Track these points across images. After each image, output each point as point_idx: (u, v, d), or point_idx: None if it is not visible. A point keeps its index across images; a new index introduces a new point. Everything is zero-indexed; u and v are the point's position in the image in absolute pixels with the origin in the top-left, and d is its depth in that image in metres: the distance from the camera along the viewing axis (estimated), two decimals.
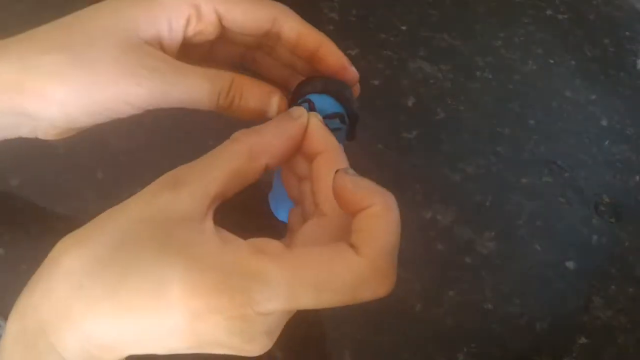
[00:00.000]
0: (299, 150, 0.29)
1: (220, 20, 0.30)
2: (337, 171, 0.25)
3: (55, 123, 0.29)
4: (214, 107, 0.29)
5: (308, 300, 0.22)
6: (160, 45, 0.29)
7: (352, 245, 0.23)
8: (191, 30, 0.30)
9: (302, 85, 0.31)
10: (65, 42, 0.28)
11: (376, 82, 0.48)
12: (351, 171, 0.25)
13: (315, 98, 0.31)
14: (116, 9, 0.28)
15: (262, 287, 0.22)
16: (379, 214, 0.24)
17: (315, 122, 0.29)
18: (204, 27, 0.30)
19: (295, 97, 0.31)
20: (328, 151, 0.28)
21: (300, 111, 0.29)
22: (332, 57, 0.31)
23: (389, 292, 0.24)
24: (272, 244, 0.24)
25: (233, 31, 0.31)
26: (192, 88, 0.28)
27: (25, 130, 0.31)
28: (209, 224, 0.24)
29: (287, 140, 0.28)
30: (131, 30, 0.28)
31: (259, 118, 0.30)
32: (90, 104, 0.28)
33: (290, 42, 0.31)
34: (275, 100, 0.30)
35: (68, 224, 0.37)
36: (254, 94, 0.30)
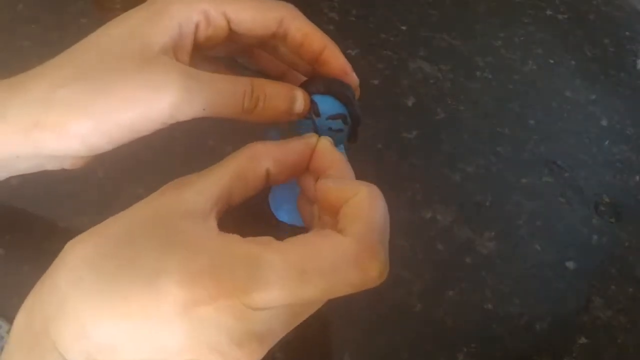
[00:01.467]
0: (306, 168, 0.29)
1: (229, 23, 0.30)
2: (317, 181, 0.26)
3: (79, 155, 0.29)
4: (239, 112, 0.29)
5: (296, 285, 0.22)
6: (173, 54, 0.29)
7: (339, 231, 0.23)
8: (201, 36, 0.29)
9: (305, 87, 0.31)
10: (80, 72, 0.27)
11: (376, 82, 0.48)
12: (331, 177, 0.26)
13: (318, 99, 0.31)
14: (126, 30, 0.28)
15: (249, 273, 0.22)
16: (363, 198, 0.24)
17: (325, 142, 0.29)
18: (214, 32, 0.30)
19: None
20: (335, 167, 0.28)
21: (311, 135, 0.29)
22: (335, 61, 0.31)
23: (382, 274, 0.23)
24: (266, 238, 0.24)
25: (240, 33, 0.31)
26: (216, 94, 0.28)
27: (50, 166, 0.31)
28: (212, 222, 0.24)
29: (291, 152, 0.28)
30: (144, 45, 0.27)
31: (284, 118, 0.30)
32: (114, 130, 0.27)
33: (295, 43, 0.31)
34: (299, 96, 0.30)
35: (68, 224, 0.37)
36: (278, 93, 0.30)
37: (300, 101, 0.30)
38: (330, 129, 0.31)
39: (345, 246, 0.22)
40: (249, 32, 0.30)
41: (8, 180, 0.39)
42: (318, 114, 0.31)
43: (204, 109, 0.28)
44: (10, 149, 0.28)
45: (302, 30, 0.30)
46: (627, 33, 0.57)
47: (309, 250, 0.22)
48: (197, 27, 0.29)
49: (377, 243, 0.23)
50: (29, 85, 0.27)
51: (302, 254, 0.22)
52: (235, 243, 0.23)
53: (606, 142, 0.48)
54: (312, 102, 0.31)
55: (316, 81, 0.31)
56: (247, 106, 0.29)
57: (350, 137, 0.33)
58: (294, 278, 0.22)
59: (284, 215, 0.38)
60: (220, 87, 0.28)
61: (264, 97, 0.29)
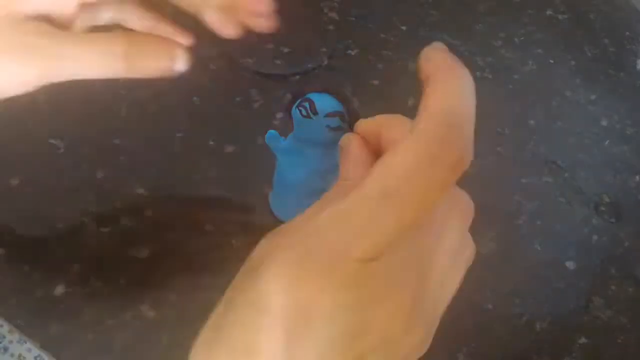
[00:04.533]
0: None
1: None
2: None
3: None
4: (114, 70, 0.29)
5: (380, 208, 0.19)
6: (48, 19, 0.28)
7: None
8: None
9: (302, 85, 0.31)
10: None
11: (376, 82, 0.48)
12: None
13: (315, 97, 0.31)
14: None
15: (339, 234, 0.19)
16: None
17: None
18: None
19: (296, 96, 0.31)
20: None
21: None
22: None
23: (462, 157, 0.19)
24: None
25: None
26: (85, 56, 0.28)
27: None
28: None
29: None
30: (9, 10, 0.27)
31: (166, 73, 0.30)
32: None
33: None
34: (179, 52, 0.30)
35: (68, 224, 0.37)
36: (155, 49, 0.29)
37: (181, 58, 0.29)
38: (328, 126, 0.31)
39: (410, 150, 0.19)
40: None
41: (8, 180, 0.39)
42: (315, 112, 0.31)
43: (77, 71, 0.28)
44: None
45: None
46: (627, 33, 0.57)
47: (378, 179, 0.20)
48: None
49: (441, 126, 0.19)
50: None
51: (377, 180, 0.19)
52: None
53: (606, 142, 0.48)
54: (310, 100, 0.31)
55: (312, 80, 0.31)
56: (123, 66, 0.28)
57: None
58: (376, 204, 0.19)
59: (284, 215, 0.38)
60: (90, 48, 0.28)
61: (140, 54, 0.29)
